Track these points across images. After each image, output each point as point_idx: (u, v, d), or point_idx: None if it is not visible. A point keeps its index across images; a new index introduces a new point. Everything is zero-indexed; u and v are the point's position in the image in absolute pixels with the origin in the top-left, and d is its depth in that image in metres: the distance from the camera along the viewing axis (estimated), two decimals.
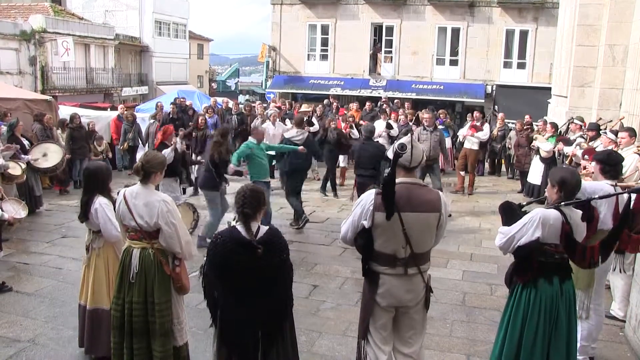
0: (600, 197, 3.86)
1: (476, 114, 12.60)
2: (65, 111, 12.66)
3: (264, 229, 3.35)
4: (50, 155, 9.08)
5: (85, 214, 4.33)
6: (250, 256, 3.21)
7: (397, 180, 3.39)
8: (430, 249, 3.57)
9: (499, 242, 3.69)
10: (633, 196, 4.60)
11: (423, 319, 3.66)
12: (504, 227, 3.70)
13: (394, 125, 12.50)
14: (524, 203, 3.79)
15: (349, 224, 3.53)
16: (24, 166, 8.06)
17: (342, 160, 13.21)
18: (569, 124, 11.13)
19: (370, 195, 3.44)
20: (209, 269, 3.35)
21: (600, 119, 9.64)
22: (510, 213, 3.71)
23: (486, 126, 12.41)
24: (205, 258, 3.38)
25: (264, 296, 3.29)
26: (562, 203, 3.51)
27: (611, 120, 9.60)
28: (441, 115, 14.21)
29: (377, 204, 3.36)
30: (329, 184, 11.52)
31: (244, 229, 3.28)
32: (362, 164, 8.27)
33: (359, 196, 9.36)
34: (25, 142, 9.08)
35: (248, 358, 3.31)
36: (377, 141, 9.32)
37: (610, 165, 4.45)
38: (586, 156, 7.74)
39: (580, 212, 3.60)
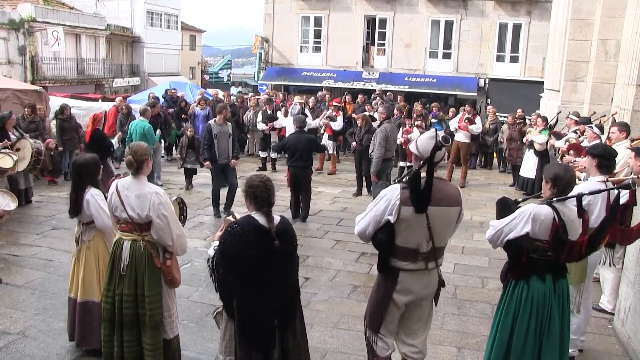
0: (591, 193, 3.87)
1: (467, 107, 12.59)
2: (55, 102, 12.53)
3: (277, 218, 3.36)
4: (24, 155, 8.73)
5: (75, 209, 4.28)
6: (268, 245, 3.22)
7: (422, 175, 3.38)
8: (447, 243, 3.62)
9: (488, 234, 3.71)
10: (623, 191, 4.63)
11: (430, 311, 3.72)
12: (494, 221, 3.72)
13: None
14: (520, 199, 3.80)
15: (370, 218, 3.48)
16: (15, 158, 7.95)
17: (330, 147, 13.26)
18: (557, 117, 11.17)
19: (395, 189, 3.41)
20: (222, 258, 3.28)
21: (594, 112, 9.67)
22: (504, 208, 3.72)
23: (478, 119, 12.44)
24: (214, 250, 3.35)
25: (279, 285, 3.32)
26: (554, 199, 3.51)
27: (604, 115, 9.63)
28: (434, 109, 14.20)
29: (403, 198, 3.35)
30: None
31: (265, 218, 3.28)
32: (297, 155, 8.57)
33: (292, 185, 9.64)
34: (17, 135, 8.87)
35: (267, 346, 3.32)
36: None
37: (608, 160, 4.44)
38: (571, 151, 7.77)
39: (575, 208, 3.59)
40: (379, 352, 3.66)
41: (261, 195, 3.30)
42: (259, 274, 3.27)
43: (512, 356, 3.59)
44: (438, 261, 3.54)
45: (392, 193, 3.41)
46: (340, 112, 13.45)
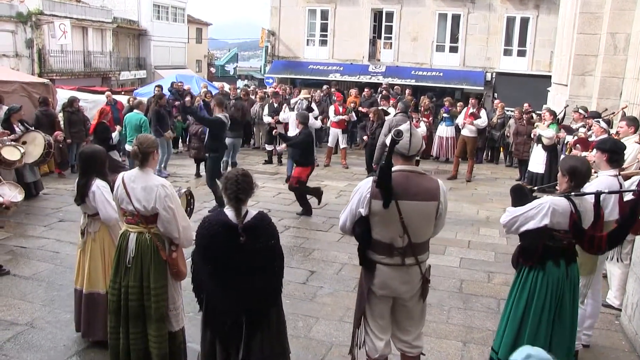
0: (610, 192, 3.90)
1: (472, 100, 12.51)
2: (62, 95, 12.58)
3: (252, 213, 3.31)
4: (33, 147, 8.68)
5: (82, 197, 4.31)
6: (235, 240, 3.18)
7: (395, 168, 3.35)
8: (429, 239, 3.53)
9: (503, 219, 3.72)
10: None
11: (421, 309, 3.65)
12: (511, 207, 3.74)
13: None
14: (535, 188, 3.81)
15: (347, 212, 3.49)
16: (22, 151, 7.96)
17: (342, 141, 13.24)
18: (564, 111, 11.09)
19: (367, 182, 3.40)
20: (195, 252, 3.35)
21: (606, 109, 9.59)
22: (520, 195, 3.74)
23: (483, 113, 12.36)
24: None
25: (248, 282, 3.25)
26: (572, 193, 3.54)
27: (613, 112, 9.57)
28: (446, 103, 14.11)
29: (374, 191, 3.31)
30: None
31: (233, 213, 3.24)
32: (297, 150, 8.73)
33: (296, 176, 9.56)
34: (22, 129, 8.84)
35: (230, 343, 3.30)
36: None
37: (618, 154, 4.45)
38: (578, 145, 7.72)
39: (590, 199, 3.61)
40: (370, 353, 3.60)
41: (230, 188, 3.24)
42: (226, 269, 3.25)
43: (526, 340, 3.62)
44: (418, 258, 3.43)
45: (365, 186, 3.39)
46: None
